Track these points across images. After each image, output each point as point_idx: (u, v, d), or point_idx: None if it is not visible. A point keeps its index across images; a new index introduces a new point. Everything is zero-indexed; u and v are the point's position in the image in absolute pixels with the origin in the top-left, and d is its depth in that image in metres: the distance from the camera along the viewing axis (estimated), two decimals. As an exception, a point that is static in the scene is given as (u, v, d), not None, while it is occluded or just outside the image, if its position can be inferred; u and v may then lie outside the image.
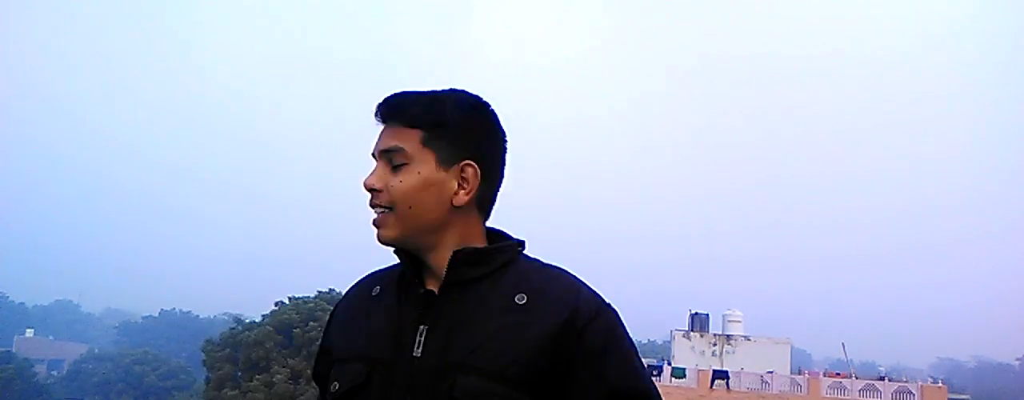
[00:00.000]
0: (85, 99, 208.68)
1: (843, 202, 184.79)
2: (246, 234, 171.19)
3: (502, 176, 1.25)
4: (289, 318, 36.41)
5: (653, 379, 1.25)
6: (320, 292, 39.99)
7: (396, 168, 1.19)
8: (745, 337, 37.24)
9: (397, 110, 1.22)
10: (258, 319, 39.29)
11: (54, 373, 68.57)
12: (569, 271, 1.24)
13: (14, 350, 62.53)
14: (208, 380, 37.28)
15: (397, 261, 1.26)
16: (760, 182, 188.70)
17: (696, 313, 38.96)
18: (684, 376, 32.40)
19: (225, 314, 77.81)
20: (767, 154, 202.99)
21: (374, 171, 1.22)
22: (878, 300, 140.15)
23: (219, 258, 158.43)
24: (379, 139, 1.23)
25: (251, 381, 34.02)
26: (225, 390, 34.57)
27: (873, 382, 33.96)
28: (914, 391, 32.91)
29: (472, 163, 1.19)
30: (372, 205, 1.22)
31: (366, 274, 1.34)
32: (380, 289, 1.26)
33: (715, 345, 36.99)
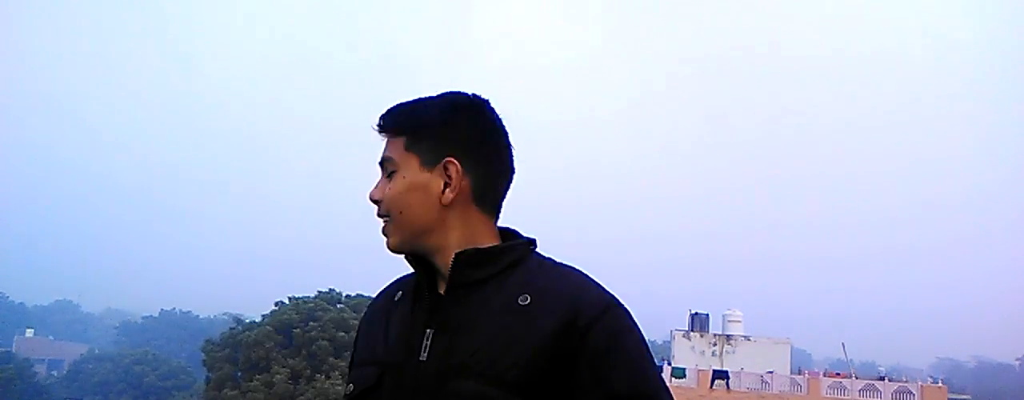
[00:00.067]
0: (85, 99, 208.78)
1: (843, 202, 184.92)
2: (246, 234, 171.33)
3: (500, 169, 1.23)
4: (289, 318, 36.41)
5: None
6: (320, 292, 40.00)
7: (389, 177, 1.22)
8: (745, 337, 37.25)
9: (386, 120, 1.25)
10: (258, 319, 39.30)
11: (54, 373, 68.59)
12: (582, 270, 1.20)
13: (14, 350, 62.62)
14: (208, 380, 37.29)
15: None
16: (760, 182, 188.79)
17: (696, 313, 38.97)
18: (684, 376, 32.41)
19: (225, 314, 77.81)
20: (767, 154, 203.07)
21: (376, 183, 1.25)
22: (878, 300, 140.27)
23: (219, 258, 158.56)
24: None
25: (251, 381, 34.03)
26: (225, 390, 34.57)
27: (873, 382, 33.98)
28: (914, 391, 32.93)
29: (453, 160, 1.18)
30: (378, 216, 1.25)
31: (393, 280, 1.33)
32: (402, 294, 1.26)
33: (715, 345, 37.00)
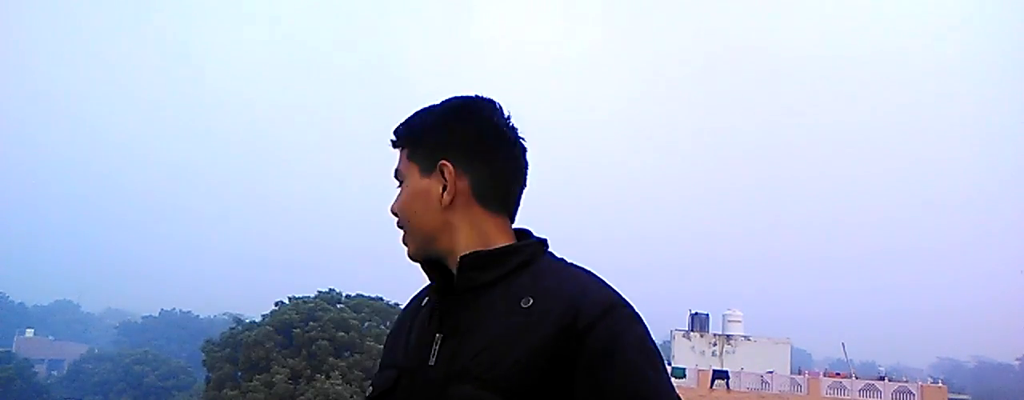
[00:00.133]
0: (85, 99, 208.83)
1: (843, 202, 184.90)
2: (246, 234, 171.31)
3: (503, 167, 1.22)
4: (289, 318, 36.41)
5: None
6: (320, 292, 39.99)
7: (400, 188, 1.26)
8: (745, 337, 37.25)
9: (394, 134, 1.28)
10: (258, 319, 39.30)
11: (54, 373, 68.57)
12: (593, 272, 1.17)
13: (14, 350, 62.52)
14: (208, 380, 37.29)
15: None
16: (760, 182, 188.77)
17: (696, 313, 38.97)
18: (684, 376, 32.41)
19: (225, 314, 77.76)
20: (767, 154, 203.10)
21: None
22: (878, 300, 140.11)
23: (219, 258, 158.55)
24: None
25: (251, 381, 34.03)
26: (225, 390, 34.57)
27: (873, 382, 33.97)
28: (914, 391, 32.92)
29: (446, 162, 1.19)
30: (397, 227, 1.27)
31: (426, 285, 1.33)
32: (428, 299, 1.27)
33: (715, 345, 37.00)
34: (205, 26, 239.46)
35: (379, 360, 1.34)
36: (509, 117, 1.25)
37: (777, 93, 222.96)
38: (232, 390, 34.27)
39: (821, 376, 34.98)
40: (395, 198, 1.26)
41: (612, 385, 1.04)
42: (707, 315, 38.98)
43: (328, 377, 33.45)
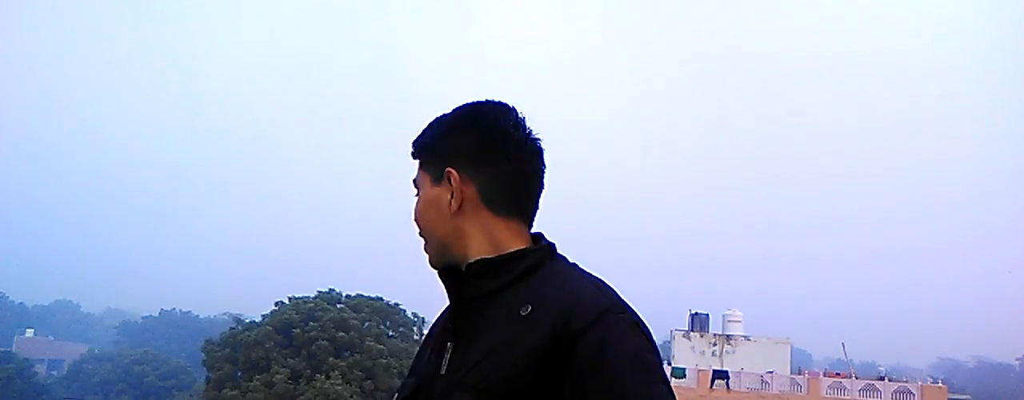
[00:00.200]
0: (85, 99, 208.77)
1: (843, 202, 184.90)
2: (246, 234, 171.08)
3: (510, 170, 1.21)
4: (289, 318, 36.42)
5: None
6: (320, 292, 40.00)
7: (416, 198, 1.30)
8: (745, 337, 37.25)
9: (411, 146, 1.31)
10: (258, 319, 39.31)
11: (54, 373, 68.59)
12: (598, 277, 1.15)
13: (14, 350, 62.54)
14: (208, 380, 37.29)
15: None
16: (760, 182, 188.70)
17: (696, 313, 38.97)
18: (684, 376, 32.41)
19: (225, 314, 77.74)
20: (767, 154, 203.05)
21: None
22: (878, 300, 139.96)
23: (219, 258, 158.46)
24: None
25: (251, 381, 34.03)
26: (225, 390, 34.58)
27: (873, 382, 33.96)
28: (914, 391, 32.91)
29: (451, 170, 1.20)
30: (419, 236, 1.29)
31: None
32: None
33: (715, 345, 36.99)
34: (205, 26, 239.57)
35: (408, 367, 1.36)
36: (521, 120, 1.24)
37: (777, 93, 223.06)
38: (232, 390, 34.27)
39: (821, 376, 34.98)
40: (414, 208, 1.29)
41: (595, 394, 1.01)
42: (707, 315, 38.98)
43: (328, 377, 33.45)
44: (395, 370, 35.74)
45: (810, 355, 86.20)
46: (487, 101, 1.26)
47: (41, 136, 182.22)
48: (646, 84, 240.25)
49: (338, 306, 38.47)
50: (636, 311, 1.11)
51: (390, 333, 39.68)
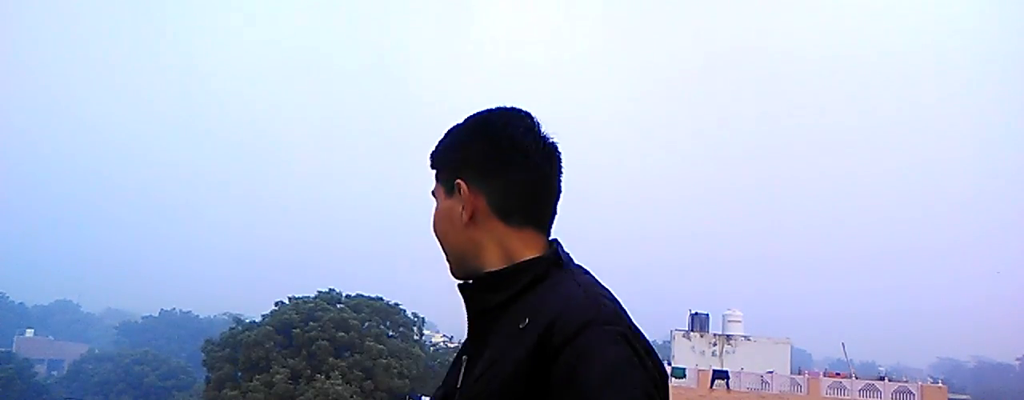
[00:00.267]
0: (85, 100, 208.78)
1: (843, 202, 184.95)
2: (246, 234, 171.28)
3: (519, 179, 1.19)
4: (289, 318, 36.41)
5: None
6: (320, 292, 39.99)
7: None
8: (745, 337, 37.22)
9: (429, 158, 1.31)
10: (258, 319, 39.30)
11: (54, 373, 68.55)
12: (596, 286, 1.12)
13: (14, 350, 62.54)
14: (208, 380, 37.29)
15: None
16: (760, 182, 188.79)
17: (696, 313, 38.93)
18: (684, 376, 32.39)
19: (225, 314, 77.72)
20: (767, 154, 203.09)
21: None
22: (878, 300, 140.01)
23: (219, 258, 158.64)
24: None
25: (251, 381, 34.03)
26: (225, 390, 34.57)
27: (873, 382, 33.94)
28: (914, 391, 32.89)
29: (460, 181, 1.20)
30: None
31: None
32: None
33: (715, 345, 36.97)
34: (205, 26, 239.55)
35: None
36: (533, 126, 1.23)
37: (777, 93, 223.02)
38: (232, 390, 34.27)
39: (821, 376, 34.95)
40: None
41: None
42: (707, 315, 38.94)
43: (328, 377, 33.44)
44: (395, 370, 35.74)
45: (810, 355, 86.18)
46: (498, 108, 1.25)
47: (41, 136, 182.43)
48: (646, 84, 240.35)
49: (338, 306, 38.46)
50: (630, 321, 1.07)
51: (390, 333, 39.68)
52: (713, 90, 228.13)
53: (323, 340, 35.00)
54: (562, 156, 1.25)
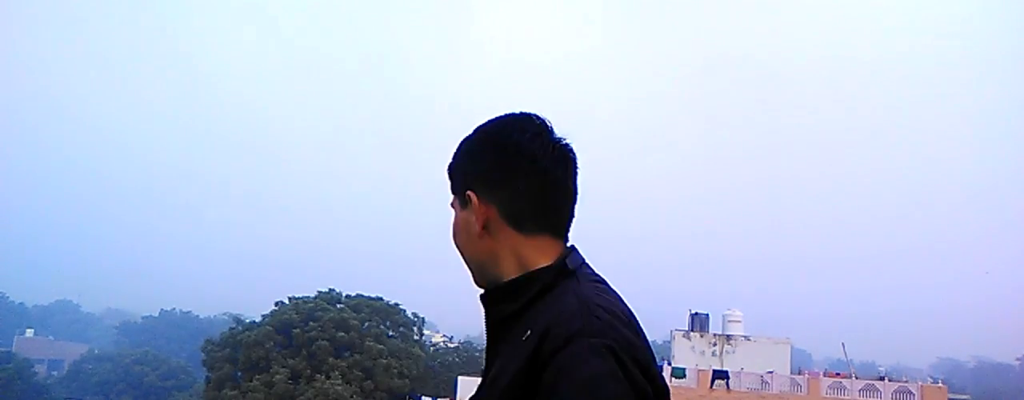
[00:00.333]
0: (86, 100, 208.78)
1: (843, 202, 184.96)
2: (247, 234, 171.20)
3: (529, 186, 1.19)
4: (289, 318, 36.43)
5: None
6: (320, 292, 40.00)
7: None
8: (745, 337, 37.22)
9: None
10: (258, 319, 39.32)
11: (54, 373, 68.58)
12: (593, 296, 1.10)
13: (14, 350, 62.55)
14: (208, 380, 37.30)
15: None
16: (760, 182, 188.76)
17: (696, 313, 38.92)
18: (684, 376, 32.38)
19: (225, 314, 77.73)
20: (767, 154, 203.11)
21: None
22: (878, 300, 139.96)
23: (219, 258, 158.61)
24: None
25: (251, 381, 34.04)
26: (225, 390, 34.59)
27: (873, 382, 33.93)
28: (914, 391, 32.89)
29: (470, 192, 1.21)
30: None
31: None
32: None
33: (715, 345, 36.97)
34: (205, 26, 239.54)
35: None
36: (541, 131, 1.22)
37: (777, 93, 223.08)
38: (232, 390, 34.29)
39: (821, 376, 34.94)
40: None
41: None
42: (707, 315, 38.93)
43: (328, 377, 33.45)
44: (395, 370, 35.76)
45: (810, 355, 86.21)
46: (506, 115, 1.25)
47: (41, 136, 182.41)
48: (646, 84, 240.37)
49: (338, 306, 38.48)
50: (625, 332, 1.06)
51: (390, 333, 39.69)
52: (713, 90, 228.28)
53: (323, 340, 35.02)
54: (577, 158, 1.25)
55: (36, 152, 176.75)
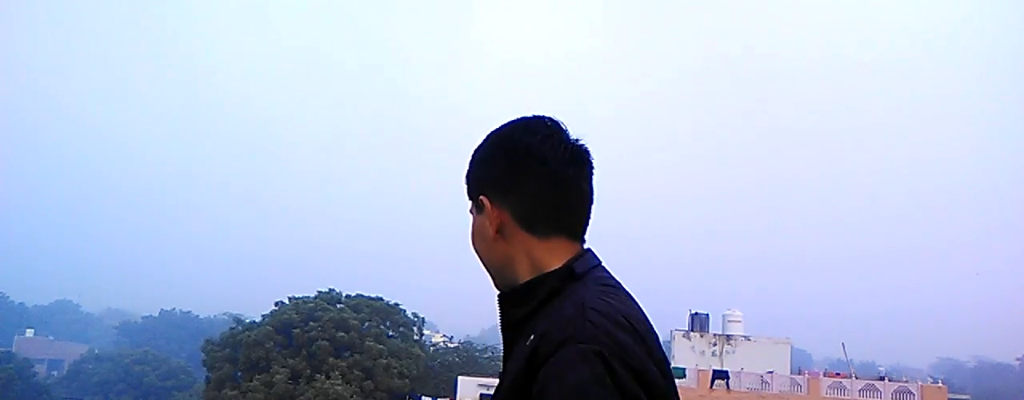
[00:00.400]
0: (86, 100, 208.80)
1: (843, 202, 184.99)
2: (246, 234, 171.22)
3: (540, 188, 1.19)
4: (289, 318, 36.43)
5: None
6: (320, 292, 39.99)
7: None
8: (745, 337, 37.23)
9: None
10: (258, 319, 39.31)
11: (54, 373, 68.60)
12: (593, 301, 1.08)
13: (14, 350, 62.55)
14: (208, 380, 37.31)
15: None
16: (760, 182, 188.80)
17: (696, 313, 38.93)
18: (684, 376, 32.38)
19: (225, 314, 77.75)
20: (767, 154, 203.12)
21: None
22: (878, 300, 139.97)
23: (219, 258, 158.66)
24: None
25: (251, 381, 34.05)
26: (225, 390, 34.60)
27: (873, 382, 33.93)
28: (914, 391, 32.88)
29: (483, 197, 1.22)
30: None
31: None
32: None
33: (715, 345, 36.98)
34: (205, 26, 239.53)
35: None
36: (553, 132, 1.22)
37: (777, 93, 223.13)
38: (232, 390, 34.29)
39: (821, 376, 34.94)
40: None
41: None
42: (707, 315, 38.94)
43: (328, 377, 33.46)
44: (395, 370, 35.75)
45: (810, 355, 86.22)
46: (517, 119, 1.26)
47: (41, 136, 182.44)
48: (646, 84, 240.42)
49: (338, 306, 38.48)
50: (616, 337, 1.03)
51: (390, 333, 39.69)
52: (713, 90, 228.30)
53: (323, 340, 35.02)
54: (592, 159, 1.24)
55: (36, 152, 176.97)
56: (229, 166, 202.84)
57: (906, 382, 34.69)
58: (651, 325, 1.15)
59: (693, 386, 32.40)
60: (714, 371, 33.45)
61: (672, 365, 34.62)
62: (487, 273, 1.26)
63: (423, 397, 35.01)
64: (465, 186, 1.29)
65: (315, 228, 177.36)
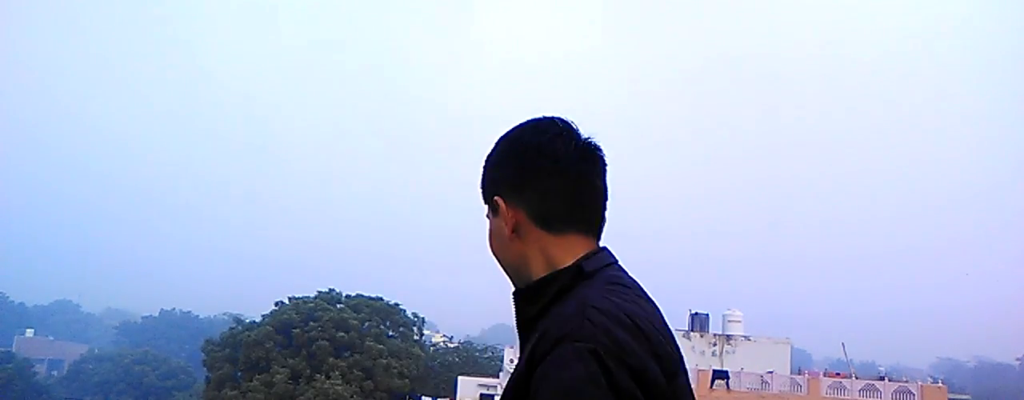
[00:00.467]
0: (86, 100, 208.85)
1: (843, 202, 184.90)
2: (246, 234, 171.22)
3: (553, 186, 1.20)
4: (289, 318, 36.44)
5: None
6: (320, 292, 40.00)
7: None
8: (745, 337, 37.23)
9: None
10: (258, 319, 39.33)
11: (54, 373, 68.63)
12: (596, 299, 1.08)
13: (14, 350, 62.60)
14: (208, 380, 37.32)
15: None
16: (760, 182, 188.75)
17: (696, 313, 38.92)
18: (684, 376, 32.38)
19: (225, 314, 77.76)
20: (767, 154, 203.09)
21: None
22: (878, 300, 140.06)
23: (219, 258, 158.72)
24: None
25: (251, 381, 34.06)
26: (225, 390, 34.60)
27: (873, 382, 33.93)
28: (914, 391, 32.88)
29: (497, 198, 1.23)
30: None
31: None
32: None
33: (715, 345, 36.97)
34: (205, 26, 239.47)
35: None
36: (563, 131, 1.23)
37: (777, 93, 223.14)
38: (232, 390, 34.30)
39: (821, 376, 34.94)
40: None
41: None
42: (707, 315, 38.93)
43: (328, 377, 33.47)
44: (395, 370, 35.76)
45: (810, 355, 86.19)
46: (528, 120, 1.27)
47: (41, 136, 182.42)
48: (646, 84, 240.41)
49: (338, 306, 38.48)
50: (615, 335, 1.02)
51: (390, 333, 39.70)
52: (713, 89, 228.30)
53: (323, 340, 35.02)
54: (604, 156, 1.27)
55: (36, 152, 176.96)
56: (229, 166, 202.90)
57: (906, 382, 34.69)
58: (664, 323, 1.16)
59: (693, 386, 32.41)
60: (714, 371, 33.43)
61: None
62: (505, 274, 1.27)
63: (423, 397, 35.02)
64: (480, 192, 1.29)
65: (315, 228, 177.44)
